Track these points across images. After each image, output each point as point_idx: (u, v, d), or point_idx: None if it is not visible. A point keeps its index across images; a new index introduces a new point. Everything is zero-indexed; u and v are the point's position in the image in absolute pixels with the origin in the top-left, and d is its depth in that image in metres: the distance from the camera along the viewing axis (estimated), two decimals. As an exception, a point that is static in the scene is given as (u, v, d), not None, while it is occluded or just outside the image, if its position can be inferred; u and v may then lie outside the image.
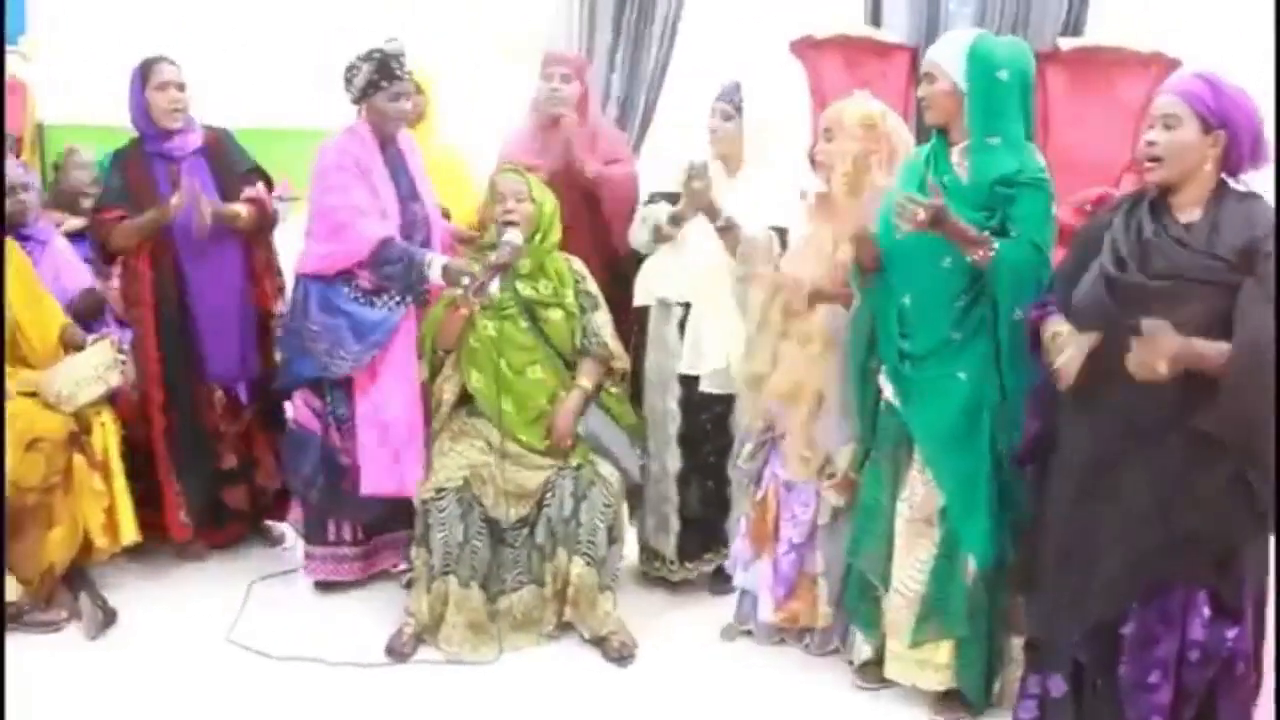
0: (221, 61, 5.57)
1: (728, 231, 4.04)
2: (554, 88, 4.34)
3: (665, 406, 4.22)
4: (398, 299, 4.06)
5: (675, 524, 4.27)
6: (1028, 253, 3.26)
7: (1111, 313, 2.82)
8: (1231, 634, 2.82)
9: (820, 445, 3.79)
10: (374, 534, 4.36)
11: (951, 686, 3.55)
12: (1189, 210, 2.85)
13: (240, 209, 4.30)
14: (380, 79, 4.06)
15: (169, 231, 4.30)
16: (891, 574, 3.57)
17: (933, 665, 3.54)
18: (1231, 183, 2.85)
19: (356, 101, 4.11)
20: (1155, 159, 2.84)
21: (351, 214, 4.01)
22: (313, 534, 4.35)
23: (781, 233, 4.04)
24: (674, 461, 4.22)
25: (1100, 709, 2.97)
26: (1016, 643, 3.50)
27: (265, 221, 4.45)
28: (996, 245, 3.24)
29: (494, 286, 3.90)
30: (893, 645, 3.60)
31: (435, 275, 3.96)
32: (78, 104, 5.10)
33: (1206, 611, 2.82)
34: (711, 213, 4.04)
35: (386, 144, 4.16)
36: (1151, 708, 2.86)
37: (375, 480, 4.09)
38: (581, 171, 4.31)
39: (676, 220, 4.13)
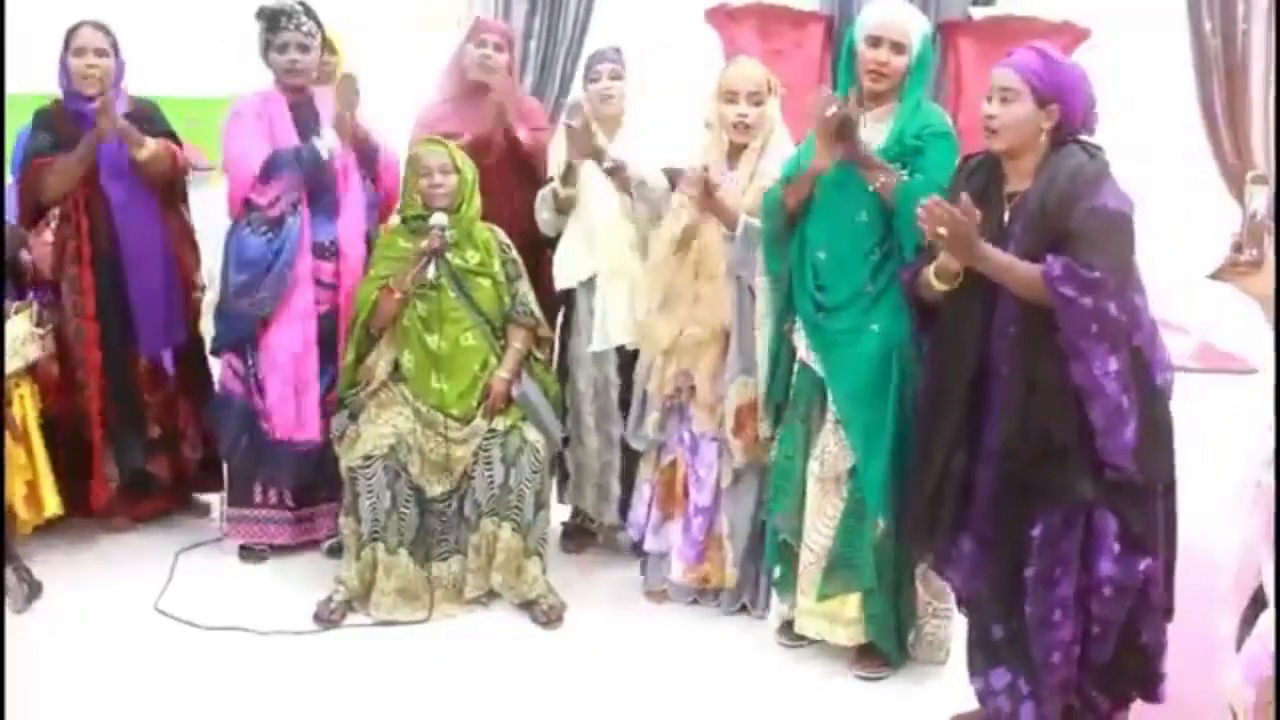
0: (161, 29, 5.50)
1: (617, 173, 4.04)
2: (486, 54, 4.31)
3: (606, 376, 4.26)
4: (290, 214, 4.17)
5: (617, 491, 4.31)
6: (932, 192, 3.33)
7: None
8: (1143, 564, 2.90)
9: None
10: (306, 500, 4.38)
11: (865, 641, 3.64)
12: (1022, 179, 2.97)
13: (150, 142, 4.25)
14: (268, 34, 4.15)
15: (103, 197, 4.29)
16: (803, 531, 3.65)
17: (842, 620, 3.61)
18: (1074, 145, 2.93)
19: (266, 65, 4.22)
20: (992, 130, 2.95)
21: (243, 143, 4.17)
22: (235, 496, 4.39)
23: (673, 174, 4.04)
24: (617, 428, 4.26)
25: (1018, 648, 3.06)
26: (927, 593, 3.62)
27: (174, 171, 4.38)
28: (901, 174, 3.35)
29: (430, 271, 3.96)
30: (802, 601, 3.67)
31: (329, 145, 4.13)
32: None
33: (1116, 546, 2.90)
34: (597, 155, 4.04)
35: (298, 104, 4.21)
36: (1054, 644, 2.95)
37: (284, 424, 4.21)
38: (514, 138, 4.29)
39: (568, 175, 4.13)
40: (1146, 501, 2.92)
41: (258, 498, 4.36)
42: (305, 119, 4.24)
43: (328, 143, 4.14)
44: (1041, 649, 2.98)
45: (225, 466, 4.44)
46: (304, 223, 4.19)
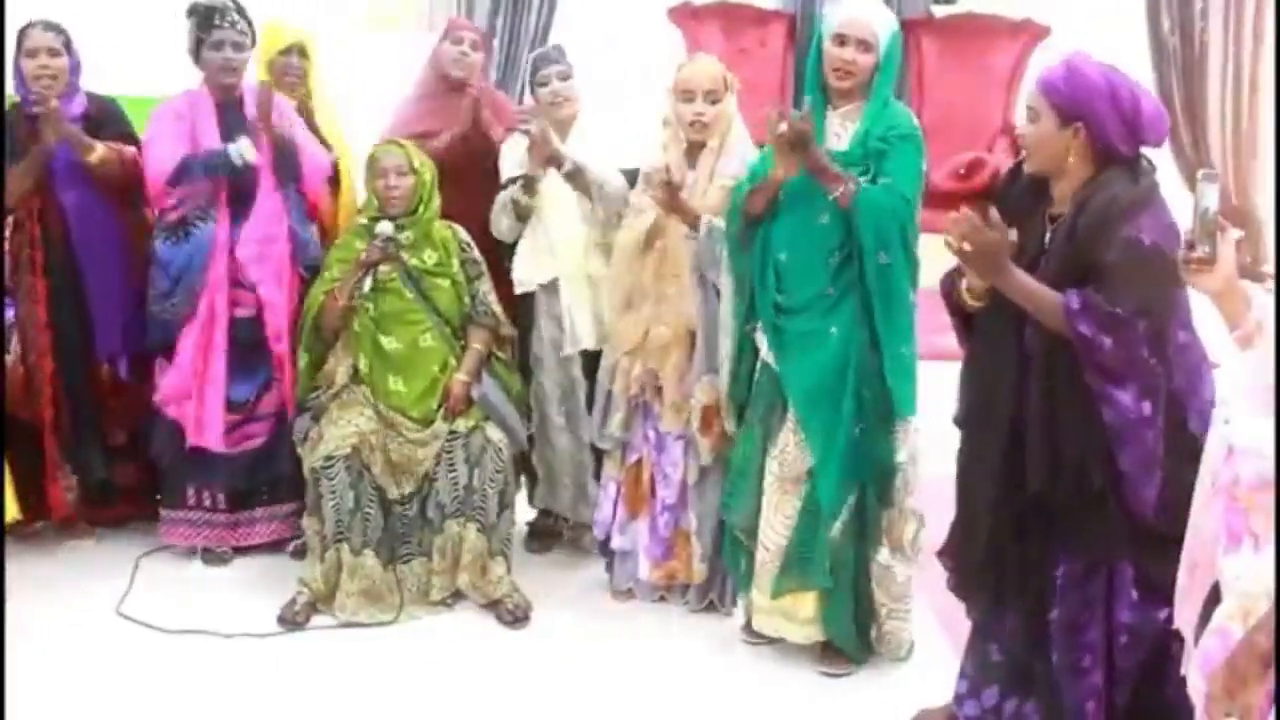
0: (127, 27, 5.45)
1: (577, 176, 4.00)
2: (463, 51, 4.31)
3: (573, 378, 4.23)
4: (200, 219, 4.13)
5: (595, 491, 4.25)
6: (892, 198, 3.37)
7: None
8: (1163, 614, 2.66)
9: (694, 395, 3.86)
10: (241, 505, 4.34)
11: (822, 639, 3.64)
12: (1062, 203, 2.78)
13: (98, 145, 4.16)
14: (200, 33, 4.11)
15: (57, 203, 4.23)
16: (758, 530, 3.65)
17: (797, 619, 3.62)
18: (1120, 169, 2.73)
19: (196, 64, 4.18)
20: (1026, 150, 2.79)
21: (160, 146, 4.13)
22: (168, 498, 4.37)
23: (631, 175, 4.03)
24: (587, 429, 4.21)
25: (1040, 690, 2.94)
26: (883, 595, 3.60)
27: (126, 176, 4.26)
28: (859, 183, 3.35)
29: (366, 283, 3.94)
30: (758, 599, 3.68)
31: (243, 151, 4.04)
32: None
33: (1134, 594, 2.75)
34: (556, 160, 3.99)
35: (226, 105, 4.16)
36: (1087, 692, 2.82)
37: (189, 428, 4.21)
38: (488, 137, 4.26)
39: (530, 185, 4.07)
40: (1168, 548, 2.65)
41: (190, 499, 4.32)
42: (232, 121, 4.17)
43: (242, 149, 4.07)
44: (1074, 696, 2.83)
45: (160, 468, 4.40)
46: (223, 228, 4.16)
